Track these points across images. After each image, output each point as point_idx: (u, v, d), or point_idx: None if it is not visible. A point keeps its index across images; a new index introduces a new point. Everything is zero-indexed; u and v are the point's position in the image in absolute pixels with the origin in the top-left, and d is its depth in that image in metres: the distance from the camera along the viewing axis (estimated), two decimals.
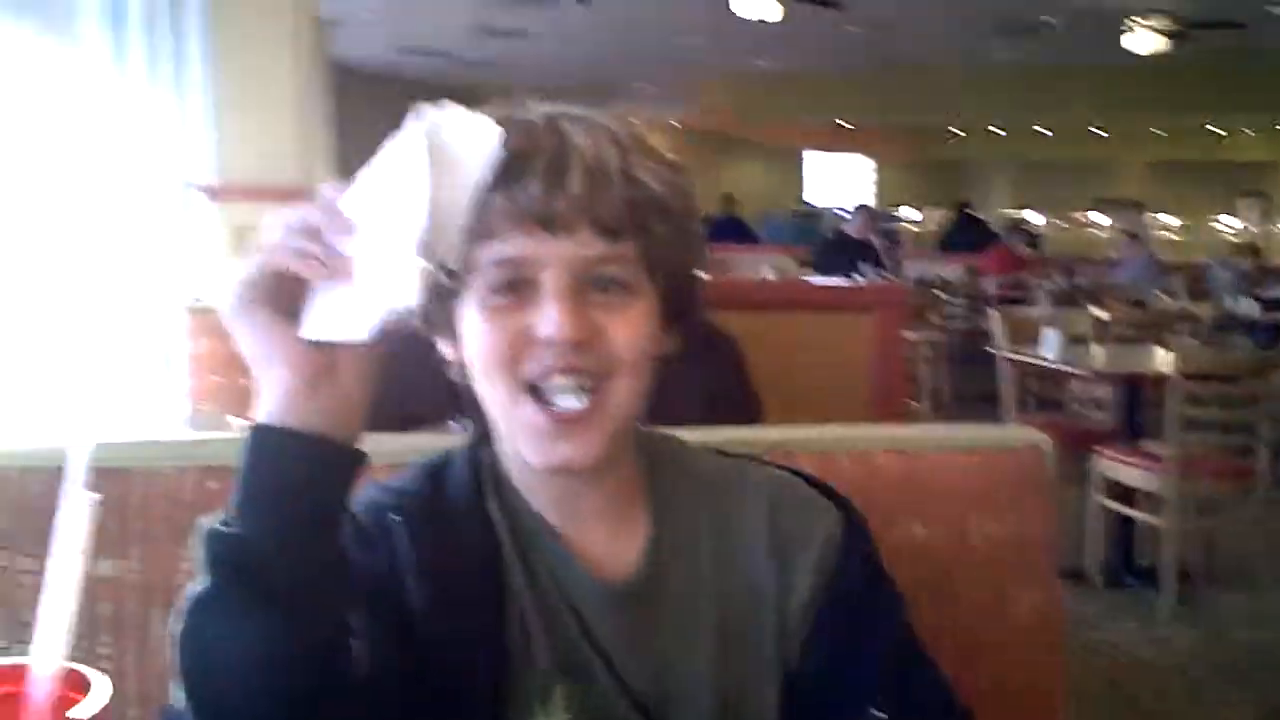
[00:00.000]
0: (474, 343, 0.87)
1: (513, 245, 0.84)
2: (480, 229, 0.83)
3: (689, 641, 0.92)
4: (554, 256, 0.84)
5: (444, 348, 0.93)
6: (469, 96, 0.89)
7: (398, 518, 0.91)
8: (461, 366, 0.91)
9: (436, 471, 0.96)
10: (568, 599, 0.92)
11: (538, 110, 0.89)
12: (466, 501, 0.94)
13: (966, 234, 11.89)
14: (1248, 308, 7.74)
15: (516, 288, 0.85)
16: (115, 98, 3.34)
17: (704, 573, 0.94)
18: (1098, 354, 5.25)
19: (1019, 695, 1.42)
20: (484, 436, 0.95)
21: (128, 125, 3.37)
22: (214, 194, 3.63)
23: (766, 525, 0.95)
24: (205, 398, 3.08)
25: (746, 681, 0.93)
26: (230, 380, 3.07)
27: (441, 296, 0.89)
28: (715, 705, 0.92)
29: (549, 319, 0.83)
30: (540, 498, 0.93)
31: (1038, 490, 1.45)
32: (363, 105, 14.09)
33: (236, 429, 1.62)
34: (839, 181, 21.49)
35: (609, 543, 0.93)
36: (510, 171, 0.83)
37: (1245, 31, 10.70)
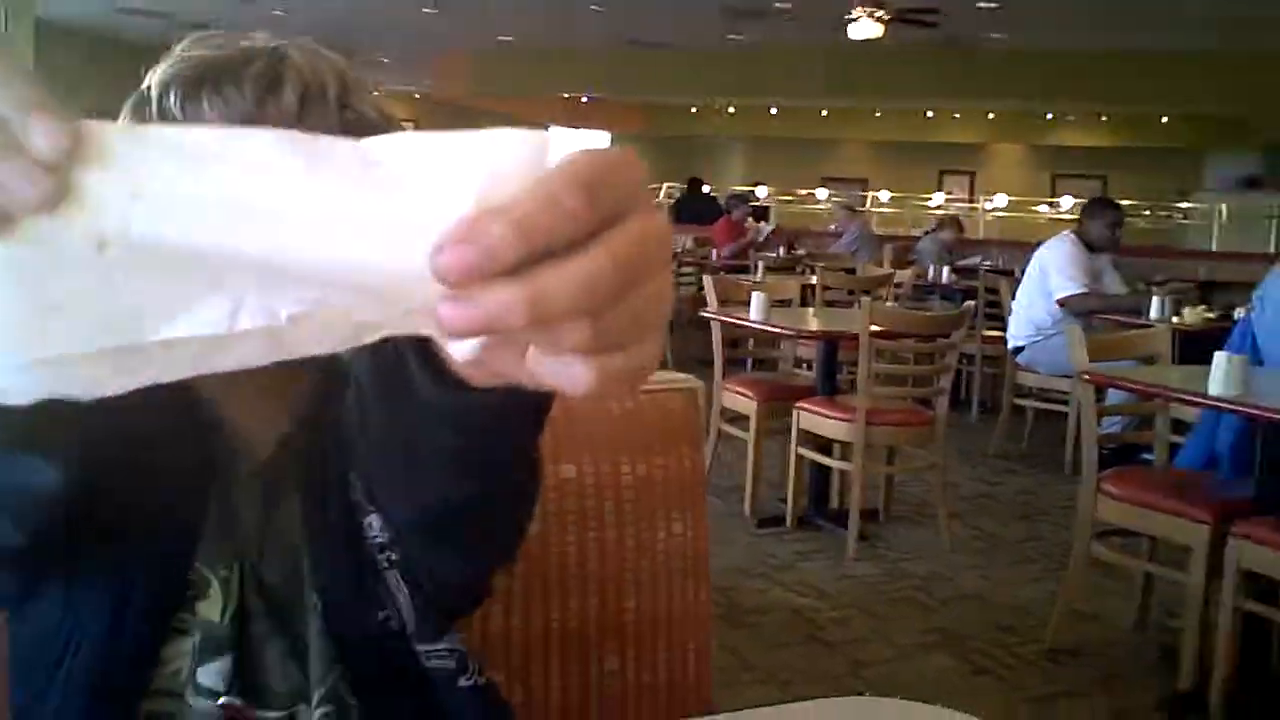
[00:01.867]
0: None
1: None
2: None
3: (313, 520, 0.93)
4: None
5: None
6: None
7: None
8: None
9: None
10: (231, 476, 0.92)
11: (262, 37, 0.88)
12: None
13: (695, 207, 12.32)
14: (945, 275, 8.35)
15: None
16: None
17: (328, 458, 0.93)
18: (805, 315, 5.58)
19: (669, 622, 1.54)
20: None
21: None
22: None
23: None
24: None
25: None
26: None
27: None
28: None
29: None
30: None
31: (689, 430, 1.57)
32: (76, 65, 13.27)
33: None
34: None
35: (262, 424, 0.93)
36: (224, 78, 0.82)
37: (946, 21, 11.48)
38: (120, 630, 0.86)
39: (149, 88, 0.86)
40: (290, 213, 0.37)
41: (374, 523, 0.92)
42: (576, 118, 21.10)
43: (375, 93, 0.92)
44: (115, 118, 0.93)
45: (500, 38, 14.77)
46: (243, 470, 0.93)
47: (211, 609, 0.89)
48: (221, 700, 0.85)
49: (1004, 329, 6.38)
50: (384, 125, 0.90)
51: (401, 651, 0.93)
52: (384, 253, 0.37)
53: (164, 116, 0.84)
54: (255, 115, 0.82)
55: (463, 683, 0.95)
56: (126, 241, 0.37)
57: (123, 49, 13.14)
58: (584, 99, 19.52)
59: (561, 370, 0.40)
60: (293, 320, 0.38)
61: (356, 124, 0.87)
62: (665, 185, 18.16)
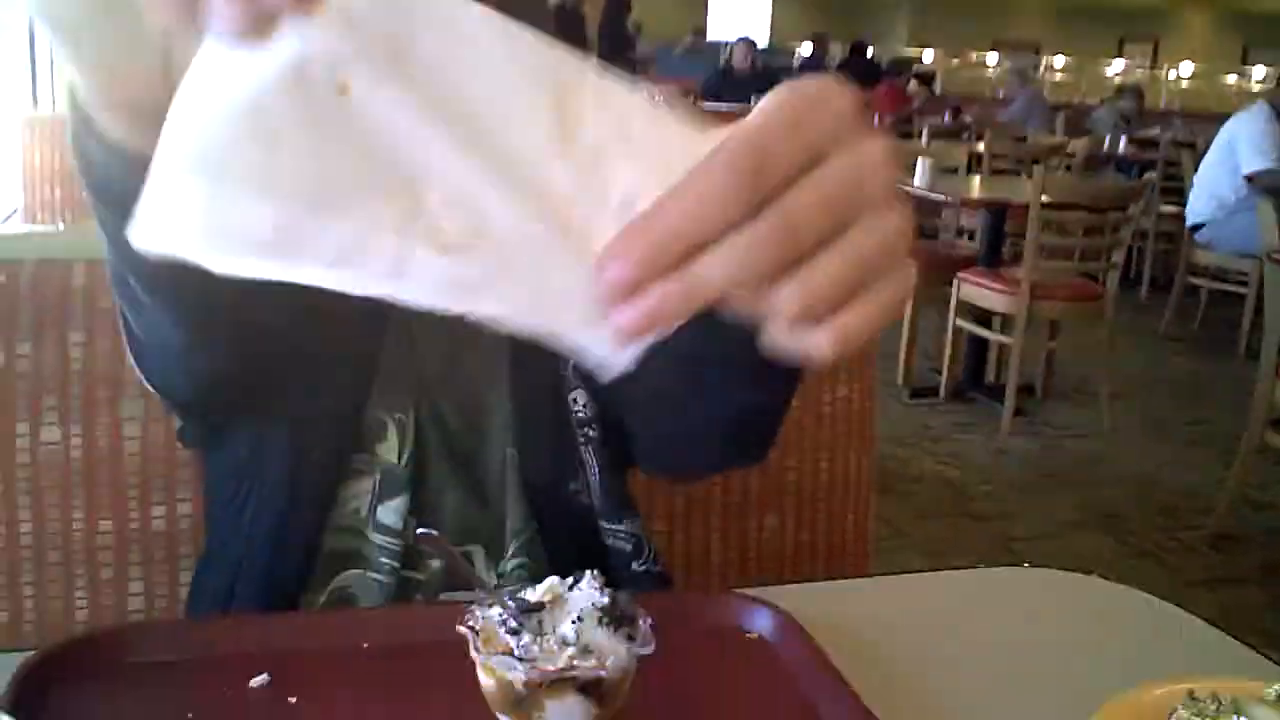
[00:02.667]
0: None
1: None
2: None
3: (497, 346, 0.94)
4: None
5: None
6: None
7: None
8: None
9: None
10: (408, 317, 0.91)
11: None
12: None
13: (857, 71, 11.88)
14: (1122, 145, 7.95)
15: None
16: None
17: None
18: (971, 184, 5.39)
19: (830, 485, 1.53)
20: None
21: None
22: None
23: None
24: (42, 211, 3.02)
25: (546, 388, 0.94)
26: (68, 193, 3.02)
27: None
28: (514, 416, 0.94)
29: None
30: None
31: None
32: None
33: None
34: (741, 13, 21.15)
35: None
36: None
37: None
38: (300, 471, 0.89)
39: None
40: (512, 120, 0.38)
41: (579, 398, 0.94)
42: None
43: None
44: None
45: None
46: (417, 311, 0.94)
47: (389, 451, 0.91)
48: (420, 530, 0.88)
49: (1182, 204, 6.06)
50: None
51: (587, 523, 0.96)
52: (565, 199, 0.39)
53: None
54: None
55: (636, 567, 0.97)
56: (362, 92, 0.37)
57: None
58: None
59: (799, 341, 0.41)
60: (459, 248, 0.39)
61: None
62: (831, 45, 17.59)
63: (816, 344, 0.41)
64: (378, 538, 0.90)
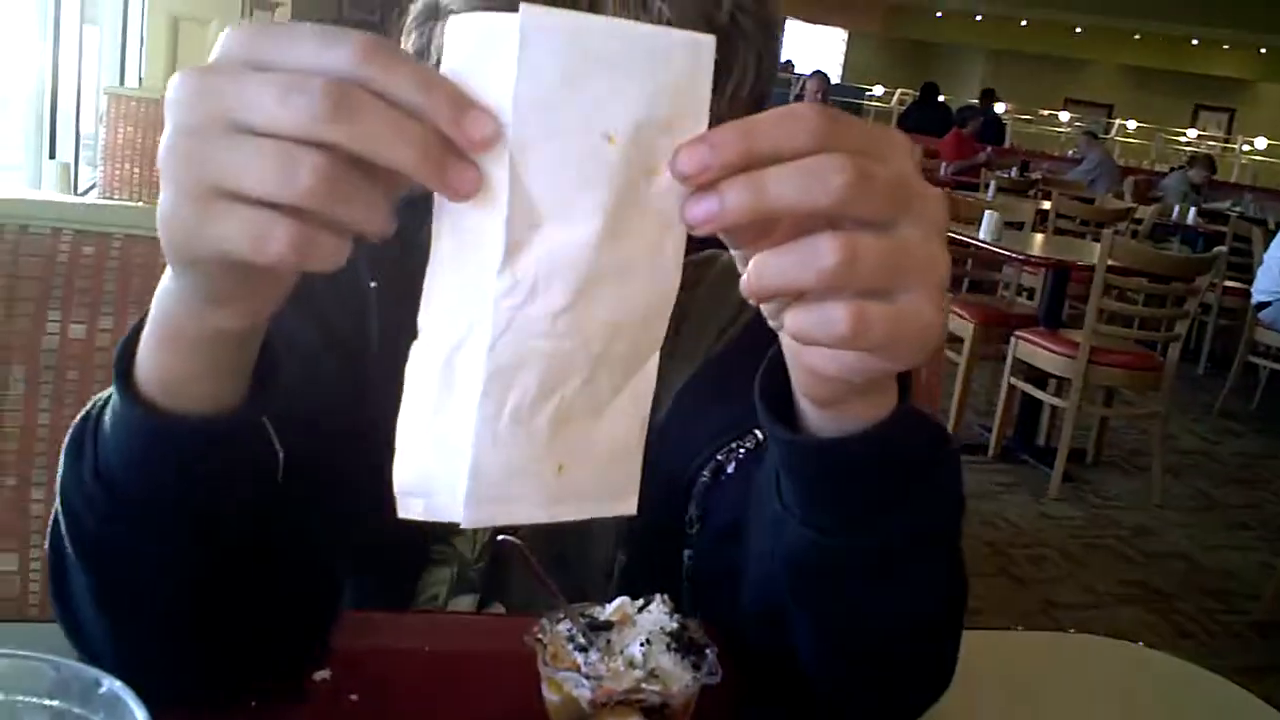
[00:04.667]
0: None
1: None
2: None
3: None
4: None
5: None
6: None
7: (373, 284, 0.82)
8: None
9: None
10: None
11: None
12: None
13: (927, 116, 11.82)
14: (1190, 216, 7.86)
15: None
16: None
17: None
18: (1035, 241, 5.34)
19: None
20: None
21: None
22: None
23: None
24: (119, 186, 3.07)
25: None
26: (147, 171, 3.08)
27: None
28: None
29: None
30: None
31: None
32: None
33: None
34: (816, 54, 21.17)
35: None
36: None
37: None
38: (373, 563, 0.84)
39: None
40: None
41: (689, 556, 0.85)
42: (813, 11, 20.52)
43: None
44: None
45: None
46: None
47: (465, 543, 0.88)
48: (500, 538, 0.85)
49: (1248, 281, 5.97)
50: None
51: None
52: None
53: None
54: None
55: None
56: None
57: None
58: None
59: (820, 317, 0.43)
60: None
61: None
62: (898, 91, 17.56)
63: (838, 317, 0.43)
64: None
